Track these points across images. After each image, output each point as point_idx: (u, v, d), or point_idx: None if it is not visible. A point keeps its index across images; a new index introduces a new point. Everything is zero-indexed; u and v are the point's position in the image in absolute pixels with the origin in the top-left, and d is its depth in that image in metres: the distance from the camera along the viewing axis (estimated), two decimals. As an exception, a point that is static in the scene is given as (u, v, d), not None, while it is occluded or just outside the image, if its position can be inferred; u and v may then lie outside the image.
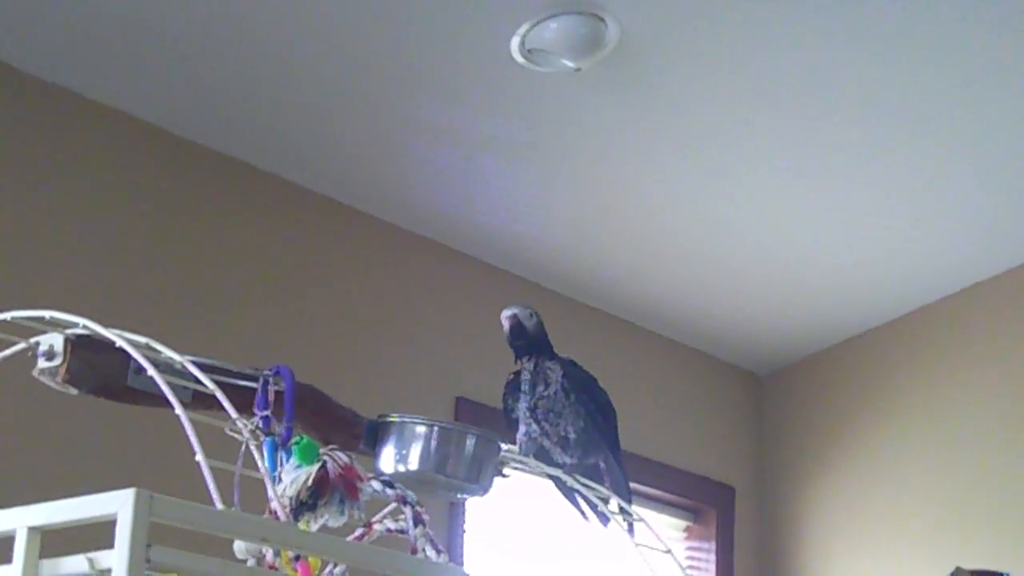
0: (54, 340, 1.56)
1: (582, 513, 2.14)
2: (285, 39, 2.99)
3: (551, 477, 2.09)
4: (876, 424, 4.34)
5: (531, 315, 2.13)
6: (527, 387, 2.12)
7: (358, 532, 1.70)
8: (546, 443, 2.10)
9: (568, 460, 2.10)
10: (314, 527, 1.48)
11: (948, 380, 4.20)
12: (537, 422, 2.10)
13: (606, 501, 2.08)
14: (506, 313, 2.13)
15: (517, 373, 2.14)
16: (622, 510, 2.09)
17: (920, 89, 3.29)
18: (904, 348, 4.32)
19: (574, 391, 2.11)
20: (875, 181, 3.66)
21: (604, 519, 2.12)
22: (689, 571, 4.03)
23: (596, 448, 2.14)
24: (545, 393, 2.10)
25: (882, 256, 4.03)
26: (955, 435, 4.14)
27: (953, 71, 3.22)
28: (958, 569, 2.52)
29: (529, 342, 2.13)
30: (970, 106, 3.36)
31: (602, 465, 2.16)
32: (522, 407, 2.11)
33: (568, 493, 2.15)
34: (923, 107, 3.36)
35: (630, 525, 2.09)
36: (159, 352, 1.50)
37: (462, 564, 3.44)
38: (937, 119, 3.40)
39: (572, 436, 2.10)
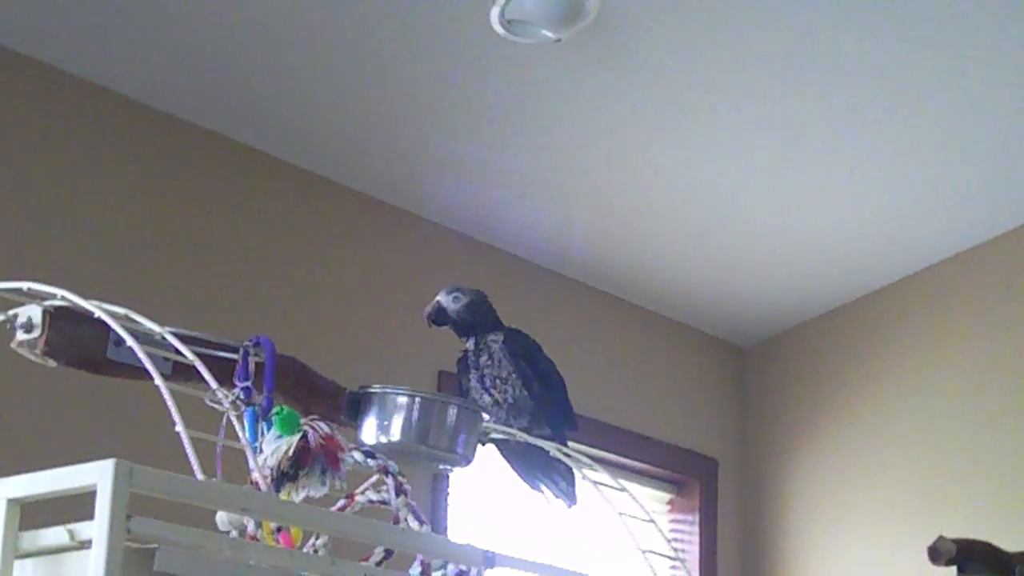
0: (32, 312, 1.54)
1: (541, 491, 2.12)
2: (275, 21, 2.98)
3: (533, 447, 2.08)
4: (860, 395, 4.35)
5: (456, 298, 2.12)
6: (473, 361, 2.12)
7: (340, 503, 1.70)
8: (501, 414, 2.09)
9: (519, 428, 2.09)
10: (296, 498, 1.47)
11: (932, 351, 4.21)
12: (488, 392, 2.10)
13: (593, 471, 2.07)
14: (427, 309, 2.12)
15: (465, 351, 2.14)
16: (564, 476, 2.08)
17: (899, 61, 3.28)
18: (887, 319, 4.33)
19: (514, 357, 2.10)
20: (857, 152, 3.66)
21: (571, 498, 2.10)
22: (672, 543, 4.03)
23: (540, 416, 2.12)
24: (488, 363, 2.10)
25: (864, 227, 4.03)
26: (939, 406, 4.15)
27: (930, 42, 3.22)
28: (941, 538, 2.52)
29: (461, 324, 2.12)
30: (948, 76, 3.36)
31: None
32: (474, 382, 2.11)
33: (533, 468, 2.12)
34: (902, 78, 3.35)
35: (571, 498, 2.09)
36: (139, 324, 1.49)
37: (446, 534, 3.44)
38: (917, 90, 3.40)
39: (513, 402, 2.09)
